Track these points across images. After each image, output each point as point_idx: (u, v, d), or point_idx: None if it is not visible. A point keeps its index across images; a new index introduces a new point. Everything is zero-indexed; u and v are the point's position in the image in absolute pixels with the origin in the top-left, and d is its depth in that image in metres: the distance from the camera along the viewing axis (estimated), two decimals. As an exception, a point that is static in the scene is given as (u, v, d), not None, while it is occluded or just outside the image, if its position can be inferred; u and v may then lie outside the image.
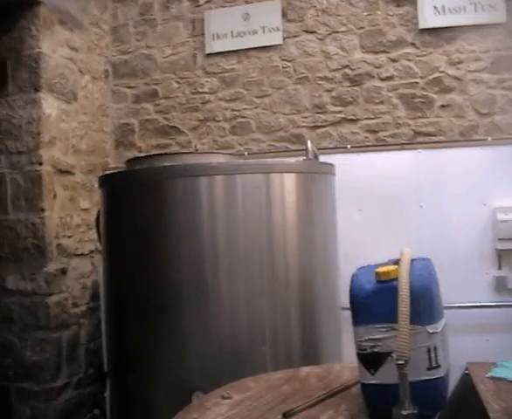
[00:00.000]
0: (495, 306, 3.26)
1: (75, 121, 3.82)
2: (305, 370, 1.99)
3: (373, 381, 1.53)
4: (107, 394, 3.42)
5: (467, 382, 1.84)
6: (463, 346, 2.05)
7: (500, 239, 3.24)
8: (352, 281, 1.57)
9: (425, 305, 1.47)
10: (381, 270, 1.52)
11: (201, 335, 2.38)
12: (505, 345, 3.07)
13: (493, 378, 1.85)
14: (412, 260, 1.56)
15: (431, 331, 1.47)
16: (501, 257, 3.28)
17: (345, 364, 2.02)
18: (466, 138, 3.51)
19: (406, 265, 1.50)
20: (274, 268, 2.41)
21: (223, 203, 2.42)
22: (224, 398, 1.78)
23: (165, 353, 2.42)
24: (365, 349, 1.52)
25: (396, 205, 3.25)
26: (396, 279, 1.47)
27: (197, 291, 2.38)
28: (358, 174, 3.33)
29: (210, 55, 3.98)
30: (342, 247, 2.76)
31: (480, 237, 3.29)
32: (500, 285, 3.27)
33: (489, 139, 3.46)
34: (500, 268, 3.29)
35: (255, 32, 3.84)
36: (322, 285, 2.56)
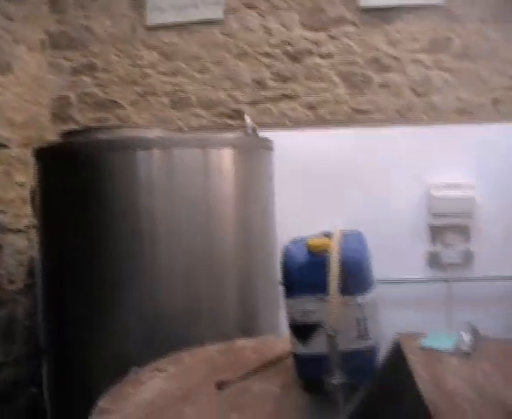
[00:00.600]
0: (428, 281, 3.36)
1: (10, 93, 3.69)
2: (240, 343, 2.01)
3: (304, 352, 1.56)
4: (43, 371, 3.36)
5: (397, 352, 1.90)
6: (396, 320, 2.11)
7: (434, 215, 3.33)
8: (284, 253, 1.58)
9: (356, 277, 1.51)
10: (312, 242, 1.54)
11: (138, 308, 2.37)
12: (437, 319, 3.18)
13: (422, 348, 1.92)
14: (344, 233, 1.59)
15: (361, 301, 1.51)
16: (435, 232, 3.38)
17: (280, 337, 2.05)
18: (403, 116, 3.58)
19: (338, 238, 1.52)
20: (212, 241, 2.41)
21: (160, 177, 2.40)
22: (159, 371, 1.78)
23: (102, 328, 2.40)
24: (297, 320, 1.54)
25: (334, 182, 3.29)
26: (327, 251, 1.50)
27: (135, 264, 2.36)
28: (297, 150, 3.35)
29: (150, 28, 3.90)
30: (281, 223, 2.78)
31: (414, 213, 3.38)
32: (433, 261, 3.37)
33: (425, 118, 3.54)
34: (433, 243, 3.39)
35: (196, 6, 3.79)
36: (260, 259, 2.58)
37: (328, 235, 1.59)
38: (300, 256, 1.54)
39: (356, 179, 3.35)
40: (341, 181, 3.33)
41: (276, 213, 2.81)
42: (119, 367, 2.25)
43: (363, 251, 1.56)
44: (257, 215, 2.62)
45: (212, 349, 1.96)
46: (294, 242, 1.63)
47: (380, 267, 3.17)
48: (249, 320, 2.52)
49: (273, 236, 2.73)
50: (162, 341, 2.32)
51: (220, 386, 1.62)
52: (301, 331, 1.55)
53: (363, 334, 1.53)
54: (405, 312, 3.28)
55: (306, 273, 1.52)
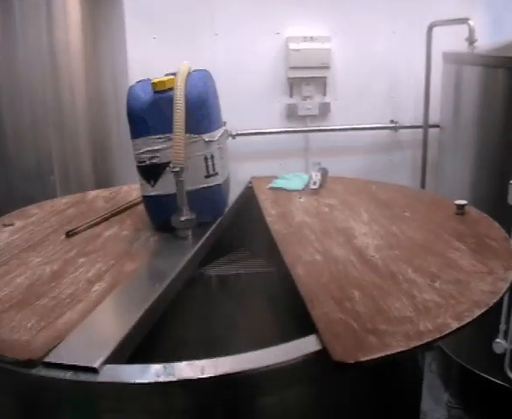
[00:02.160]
0: (287, 132, 3.43)
1: None
2: (92, 193, 1.97)
3: (153, 193, 1.55)
4: None
5: (249, 193, 1.96)
6: (256, 172, 2.14)
7: (291, 68, 3.35)
8: (128, 93, 1.53)
9: (201, 115, 1.49)
10: (157, 80, 1.49)
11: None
12: (293, 168, 3.30)
13: (272, 188, 1.98)
14: (190, 73, 1.55)
15: (207, 139, 1.50)
16: (293, 85, 3.41)
17: (134, 185, 2.02)
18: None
19: (183, 75, 1.48)
20: (59, 95, 2.27)
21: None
22: (5, 226, 1.71)
23: None
24: (144, 161, 1.52)
25: (191, 33, 3.17)
26: (172, 89, 1.46)
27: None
28: (152, -1, 3.17)
29: None
30: (134, 75, 2.66)
31: (273, 66, 3.37)
32: (290, 113, 3.43)
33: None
34: (291, 96, 3.43)
35: None
36: (113, 112, 2.48)
37: (174, 74, 1.53)
38: (145, 94, 1.49)
39: (212, 31, 3.25)
40: (197, 33, 3.21)
41: (128, 64, 2.68)
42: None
43: (209, 88, 1.53)
44: (108, 65, 2.48)
45: (62, 201, 1.90)
46: (139, 82, 1.56)
47: (238, 120, 3.19)
48: (105, 175, 2.45)
49: (125, 88, 2.61)
50: (15, 203, 2.21)
51: (70, 234, 1.59)
52: (150, 172, 1.52)
53: (211, 173, 1.54)
54: (265, 163, 3.36)
55: (151, 112, 1.48)
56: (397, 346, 0.93)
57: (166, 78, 1.48)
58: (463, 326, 1.00)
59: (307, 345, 0.95)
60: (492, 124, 2.57)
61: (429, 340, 0.94)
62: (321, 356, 0.92)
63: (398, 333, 0.97)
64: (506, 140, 2.51)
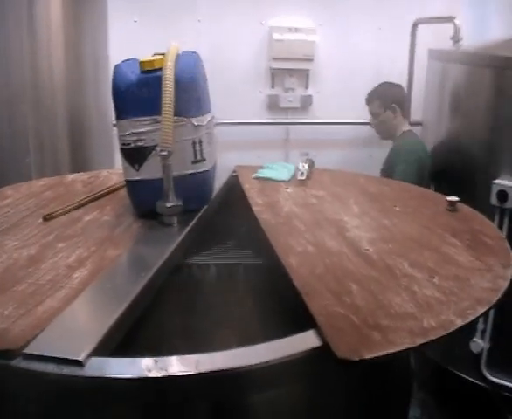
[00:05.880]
0: (267, 124, 3.39)
1: None
2: (70, 177, 1.89)
3: (138, 178, 1.48)
4: None
5: (234, 182, 1.90)
6: (234, 162, 2.08)
7: (274, 59, 3.31)
8: (114, 71, 1.45)
9: (191, 97, 1.42)
10: (145, 59, 1.42)
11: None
12: (273, 159, 3.24)
13: (258, 178, 1.93)
14: (180, 54, 1.48)
15: (196, 123, 1.44)
16: (275, 76, 3.37)
17: (114, 170, 1.94)
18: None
19: (172, 55, 1.41)
20: (37, 74, 2.17)
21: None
22: (-23, 207, 1.62)
23: None
24: (129, 144, 1.44)
25: (173, 18, 3.10)
26: (161, 69, 1.39)
27: None
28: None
29: None
30: (116, 59, 2.58)
31: (256, 57, 3.33)
32: (272, 104, 3.38)
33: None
34: (273, 87, 3.39)
35: None
36: (92, 96, 2.39)
37: (162, 54, 1.46)
38: (132, 74, 1.42)
39: (195, 17, 3.18)
40: (179, 18, 3.14)
41: (110, 47, 2.60)
42: None
43: (198, 70, 1.47)
44: (88, 46, 2.40)
45: (38, 183, 1.81)
46: (126, 61, 1.49)
47: (222, 110, 3.14)
48: (82, 159, 2.37)
49: (106, 72, 2.52)
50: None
51: (48, 218, 1.51)
52: (134, 155, 1.45)
53: (198, 159, 1.48)
54: (246, 153, 3.30)
55: (137, 92, 1.40)
56: (403, 343, 0.88)
57: (155, 58, 1.41)
58: (466, 324, 0.96)
59: (306, 340, 0.90)
60: (476, 122, 2.56)
61: (434, 337, 0.90)
62: (323, 352, 0.87)
63: (402, 329, 0.92)
64: (489, 139, 2.50)
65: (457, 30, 2.89)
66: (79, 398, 0.87)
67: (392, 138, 3.23)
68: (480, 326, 2.49)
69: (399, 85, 3.22)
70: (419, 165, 2.94)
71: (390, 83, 3.23)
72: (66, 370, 0.83)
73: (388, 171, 3.03)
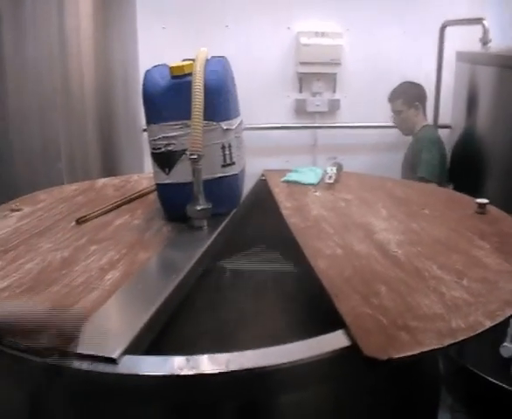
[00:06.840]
0: (295, 128, 3.40)
1: None
2: (101, 181, 1.92)
3: (168, 181, 1.50)
4: None
5: (262, 186, 1.91)
6: (262, 167, 2.10)
7: (301, 63, 3.32)
8: (145, 77, 1.48)
9: (220, 101, 1.45)
10: (175, 64, 1.45)
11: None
12: (301, 164, 3.25)
13: (287, 182, 1.94)
14: (208, 59, 1.51)
15: (225, 127, 1.46)
16: (302, 80, 3.38)
17: (144, 174, 1.98)
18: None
19: (201, 61, 1.44)
20: (68, 80, 2.22)
21: (7, 6, 2.13)
22: (12, 211, 1.66)
23: None
24: (159, 148, 1.47)
25: (201, 25, 3.13)
26: (190, 74, 1.41)
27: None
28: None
29: None
30: (144, 65, 2.62)
31: (283, 61, 3.34)
32: (299, 108, 3.39)
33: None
34: (300, 91, 3.40)
35: None
36: (122, 102, 2.44)
37: (191, 60, 1.49)
38: (162, 79, 1.45)
39: (223, 23, 3.21)
40: (207, 24, 3.17)
41: (139, 53, 2.64)
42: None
43: (227, 74, 1.49)
44: (118, 54, 2.44)
45: (70, 188, 1.85)
46: (156, 67, 1.52)
47: (250, 114, 3.16)
48: (112, 164, 2.41)
49: (136, 79, 2.57)
50: (21, 187, 2.16)
51: (80, 221, 1.54)
52: (164, 159, 1.48)
53: (228, 162, 1.50)
54: (274, 158, 3.32)
55: (168, 97, 1.43)
56: (431, 343, 0.89)
57: (184, 63, 1.44)
58: (495, 325, 0.96)
59: (335, 340, 0.91)
60: (506, 124, 2.54)
61: (463, 337, 0.90)
62: (351, 352, 0.88)
63: (430, 330, 0.93)
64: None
65: (486, 31, 2.87)
66: (113, 395, 0.89)
67: (412, 133, 3.28)
68: (511, 330, 2.46)
69: (420, 85, 3.25)
70: (441, 153, 3.08)
71: (411, 82, 3.26)
72: (101, 368, 0.86)
73: (412, 161, 3.09)
